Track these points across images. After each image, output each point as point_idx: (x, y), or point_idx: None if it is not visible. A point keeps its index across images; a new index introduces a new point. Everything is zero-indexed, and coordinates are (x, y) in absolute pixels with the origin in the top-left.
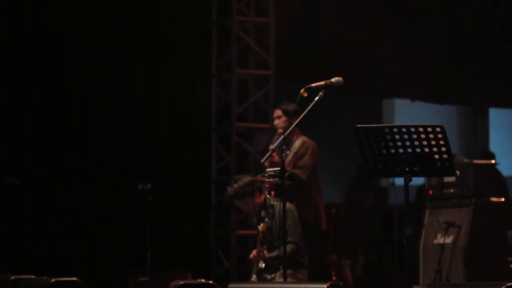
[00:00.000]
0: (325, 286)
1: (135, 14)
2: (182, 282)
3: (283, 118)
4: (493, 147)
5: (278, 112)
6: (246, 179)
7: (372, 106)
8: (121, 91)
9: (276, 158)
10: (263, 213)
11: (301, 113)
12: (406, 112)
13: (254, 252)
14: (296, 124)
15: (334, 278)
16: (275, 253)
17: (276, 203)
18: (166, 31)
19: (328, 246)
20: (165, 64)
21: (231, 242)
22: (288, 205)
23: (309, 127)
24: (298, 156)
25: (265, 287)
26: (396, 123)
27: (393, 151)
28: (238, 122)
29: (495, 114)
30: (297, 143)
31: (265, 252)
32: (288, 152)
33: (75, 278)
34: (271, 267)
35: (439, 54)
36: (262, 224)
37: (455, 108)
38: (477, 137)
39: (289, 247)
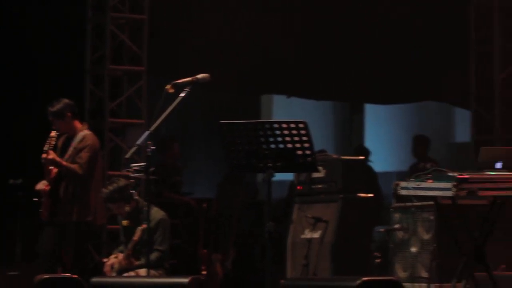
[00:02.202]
0: (187, 280)
1: (13, 8)
2: (46, 276)
3: (59, 122)
4: (369, 143)
5: (50, 119)
6: (122, 182)
7: (250, 102)
8: None
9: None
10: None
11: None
12: (283, 108)
13: (123, 261)
14: (72, 120)
15: (204, 272)
16: (140, 262)
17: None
18: (40, 27)
19: (199, 241)
20: (39, 59)
21: (102, 236)
22: (161, 213)
23: (188, 122)
24: (77, 150)
25: (127, 281)
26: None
27: (256, 147)
28: (111, 117)
29: (370, 110)
30: (78, 137)
31: (133, 260)
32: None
33: None
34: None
35: (315, 49)
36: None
37: (332, 104)
38: (353, 133)
39: (154, 255)
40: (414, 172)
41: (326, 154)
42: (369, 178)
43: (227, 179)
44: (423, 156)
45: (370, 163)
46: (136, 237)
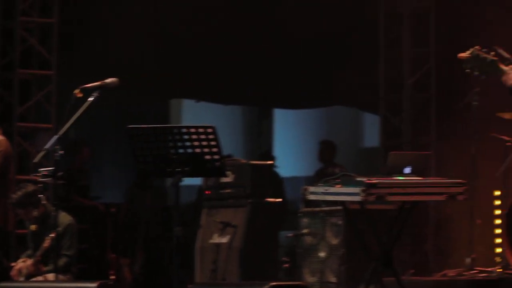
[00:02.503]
0: (95, 285)
1: None
2: None
3: None
4: (277, 147)
5: None
6: (30, 188)
7: (159, 106)
8: None
9: None
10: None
11: None
12: (192, 113)
13: (31, 267)
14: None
15: (112, 277)
16: (48, 267)
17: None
18: None
19: (107, 245)
20: None
21: (11, 241)
22: (68, 218)
23: (97, 127)
24: None
25: (35, 286)
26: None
27: (165, 151)
28: (20, 122)
29: (279, 115)
30: None
31: (41, 266)
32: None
33: None
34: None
35: (223, 54)
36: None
37: (240, 108)
38: (261, 138)
39: (62, 261)
40: (321, 177)
41: (234, 158)
42: (275, 183)
43: (136, 184)
44: (330, 161)
45: (275, 169)
46: (46, 244)
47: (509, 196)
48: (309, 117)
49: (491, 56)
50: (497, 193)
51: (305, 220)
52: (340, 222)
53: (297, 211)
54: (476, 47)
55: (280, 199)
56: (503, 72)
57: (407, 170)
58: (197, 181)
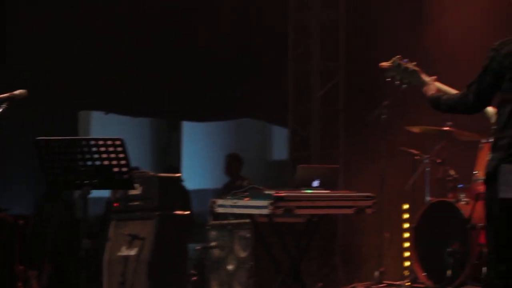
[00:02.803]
0: None
1: None
2: None
3: None
4: (186, 160)
5: None
6: None
7: (67, 118)
8: None
9: None
10: None
11: None
12: (101, 125)
13: None
14: None
15: None
16: None
17: None
18: None
19: (15, 257)
20: None
21: None
22: None
23: (6, 138)
24: None
25: None
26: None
27: (73, 163)
28: None
29: (188, 128)
30: None
31: None
32: None
33: None
34: None
35: (131, 66)
36: None
37: (149, 120)
38: (170, 150)
39: None
40: (229, 190)
41: (142, 171)
42: (182, 195)
43: (44, 196)
44: (236, 175)
45: (182, 181)
46: None
47: (417, 209)
48: (218, 129)
49: (412, 66)
50: (406, 206)
51: (213, 233)
52: (248, 235)
53: (205, 223)
54: (398, 56)
55: (188, 212)
56: (424, 83)
57: (316, 183)
58: (105, 193)
